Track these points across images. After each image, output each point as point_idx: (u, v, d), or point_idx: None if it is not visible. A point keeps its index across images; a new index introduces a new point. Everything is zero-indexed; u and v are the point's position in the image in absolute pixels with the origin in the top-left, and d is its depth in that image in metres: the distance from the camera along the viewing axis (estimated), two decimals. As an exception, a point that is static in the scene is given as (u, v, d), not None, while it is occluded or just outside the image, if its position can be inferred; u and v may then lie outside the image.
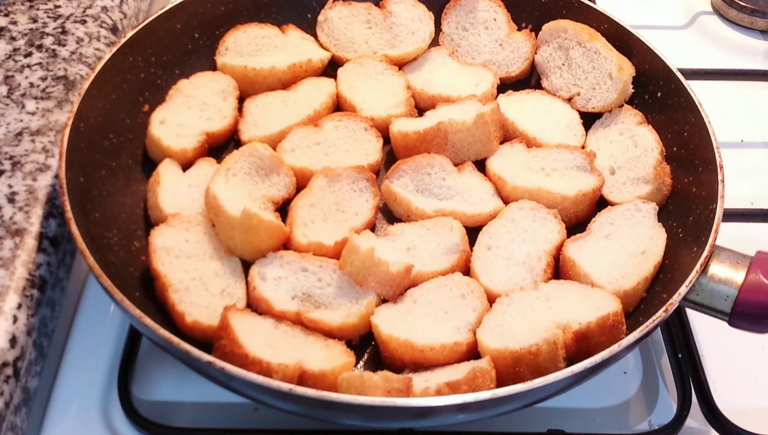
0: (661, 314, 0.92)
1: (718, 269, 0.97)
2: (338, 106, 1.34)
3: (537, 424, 1.04)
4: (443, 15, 1.45)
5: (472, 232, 1.15)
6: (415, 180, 1.20)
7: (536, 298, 1.03)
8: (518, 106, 1.32)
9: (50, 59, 1.28)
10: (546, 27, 1.38)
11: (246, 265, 1.07)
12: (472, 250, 1.12)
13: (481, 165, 1.24)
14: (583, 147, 1.28)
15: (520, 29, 1.43)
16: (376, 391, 0.86)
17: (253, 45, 1.36)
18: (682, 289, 0.95)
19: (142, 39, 1.25)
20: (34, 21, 1.34)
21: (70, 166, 1.04)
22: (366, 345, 1.05)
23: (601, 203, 1.21)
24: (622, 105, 1.29)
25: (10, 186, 1.09)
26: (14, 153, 1.13)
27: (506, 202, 1.19)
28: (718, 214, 1.02)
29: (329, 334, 1.01)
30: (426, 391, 0.88)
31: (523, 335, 0.97)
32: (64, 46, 1.30)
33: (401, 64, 1.40)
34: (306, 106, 1.29)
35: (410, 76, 1.37)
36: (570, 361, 0.92)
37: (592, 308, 0.99)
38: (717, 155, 1.10)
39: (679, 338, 1.11)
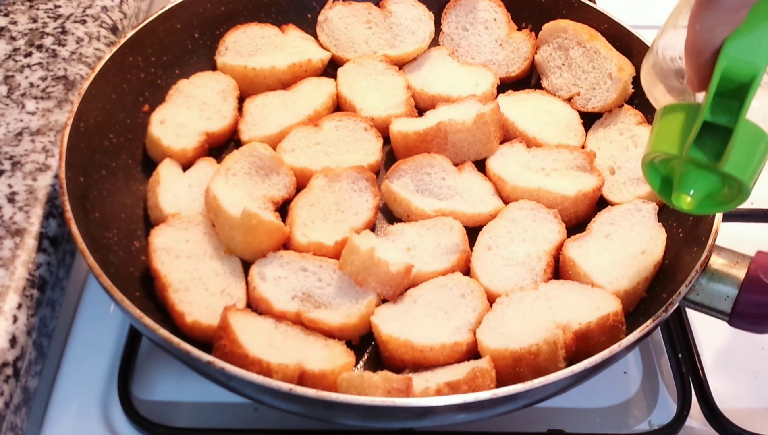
0: (661, 314, 0.92)
1: (718, 269, 0.97)
2: (338, 106, 1.34)
3: (537, 424, 1.04)
4: (443, 15, 1.45)
5: (472, 232, 1.15)
6: (415, 180, 1.20)
7: (536, 298, 1.03)
8: (518, 106, 1.32)
9: (50, 59, 1.28)
10: (546, 27, 1.38)
11: (246, 265, 1.08)
12: (472, 250, 1.12)
13: (481, 165, 1.24)
14: (583, 147, 1.28)
15: (520, 29, 1.43)
16: (376, 391, 0.86)
17: (253, 45, 1.36)
18: (682, 289, 0.95)
19: (142, 39, 1.25)
20: (34, 21, 1.34)
21: (70, 166, 1.04)
22: (366, 345, 1.05)
23: (601, 203, 1.21)
24: (622, 105, 1.29)
25: (10, 186, 1.09)
26: (14, 153, 1.13)
27: (506, 202, 1.19)
28: (719, 214, 1.02)
29: (329, 334, 1.01)
30: (426, 391, 0.88)
31: (523, 335, 0.96)
32: (64, 46, 1.30)
33: (401, 64, 1.40)
34: (306, 106, 1.29)
35: (410, 76, 1.37)
36: (570, 361, 0.92)
37: (592, 308, 0.99)
38: (717, 155, 1.09)
39: (679, 338, 1.11)
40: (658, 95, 0.87)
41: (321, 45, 1.41)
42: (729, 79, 0.73)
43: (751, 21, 0.72)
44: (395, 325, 1.00)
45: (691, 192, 0.81)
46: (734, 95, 0.74)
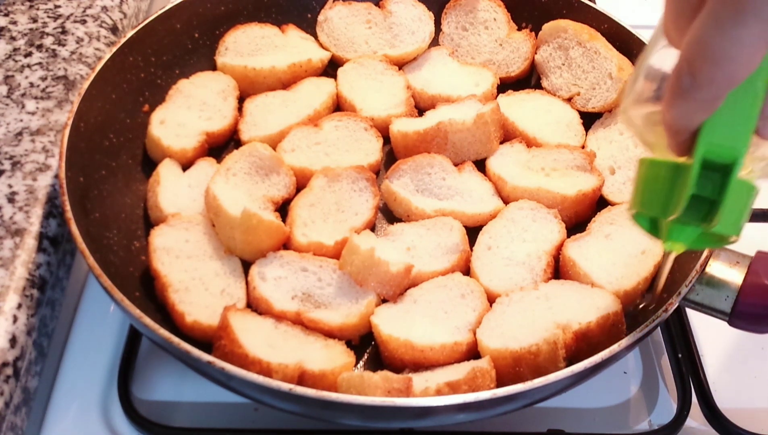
0: (661, 314, 0.92)
1: (718, 269, 0.97)
2: (338, 106, 1.34)
3: (537, 424, 1.04)
4: (443, 15, 1.45)
5: (472, 232, 1.15)
6: (415, 180, 1.20)
7: (536, 298, 1.03)
8: (518, 106, 1.32)
9: (50, 59, 1.28)
10: (546, 27, 1.38)
11: (246, 265, 1.08)
12: (472, 250, 1.12)
13: (481, 165, 1.24)
14: (583, 147, 1.28)
15: (520, 29, 1.43)
16: (376, 391, 0.86)
17: (253, 45, 1.36)
18: (682, 289, 0.95)
19: (142, 39, 1.25)
20: (34, 21, 1.34)
21: (70, 166, 1.04)
22: (366, 345, 1.05)
23: (601, 203, 1.21)
24: (622, 105, 1.29)
25: (10, 186, 1.09)
26: (14, 153, 1.13)
27: (506, 202, 1.19)
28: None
29: (329, 334, 1.01)
30: (426, 391, 0.88)
31: (523, 335, 0.97)
32: (64, 46, 1.31)
33: (401, 64, 1.40)
34: (306, 106, 1.29)
35: (410, 76, 1.37)
36: (570, 361, 0.92)
37: (592, 308, 0.99)
38: (717, 155, 1.09)
39: (679, 338, 1.11)
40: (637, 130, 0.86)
41: (321, 45, 1.41)
42: (710, 161, 0.71)
43: (729, 105, 0.69)
44: (395, 325, 1.00)
45: (680, 240, 0.81)
46: (717, 169, 0.72)
